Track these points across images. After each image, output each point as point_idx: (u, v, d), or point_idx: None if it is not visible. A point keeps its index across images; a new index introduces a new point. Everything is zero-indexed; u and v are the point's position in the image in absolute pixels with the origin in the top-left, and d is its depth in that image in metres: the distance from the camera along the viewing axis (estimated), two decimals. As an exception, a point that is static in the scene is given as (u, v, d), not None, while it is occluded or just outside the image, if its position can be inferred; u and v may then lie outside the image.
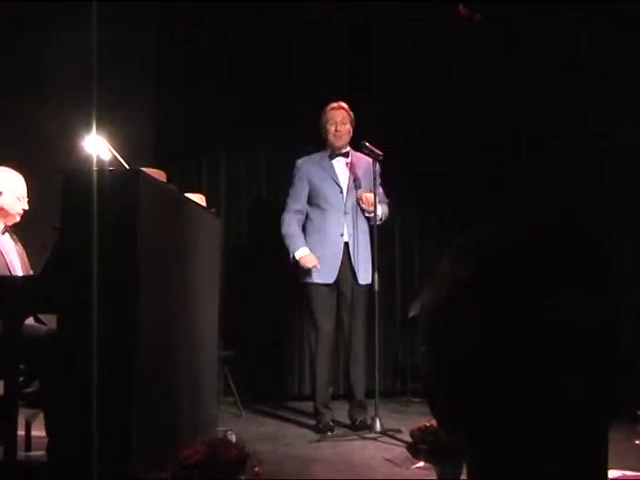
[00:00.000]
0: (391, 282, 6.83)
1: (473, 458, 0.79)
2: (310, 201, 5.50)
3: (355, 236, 5.41)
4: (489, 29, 6.60)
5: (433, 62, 6.84)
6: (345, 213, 5.42)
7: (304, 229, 5.51)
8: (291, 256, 5.41)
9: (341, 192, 5.46)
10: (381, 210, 5.46)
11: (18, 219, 4.37)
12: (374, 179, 5.33)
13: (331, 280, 5.41)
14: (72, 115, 4.14)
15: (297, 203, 5.50)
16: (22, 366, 3.88)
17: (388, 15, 6.78)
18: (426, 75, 6.83)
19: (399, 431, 4.98)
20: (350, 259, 5.42)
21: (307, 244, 5.43)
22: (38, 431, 4.26)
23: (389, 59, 6.99)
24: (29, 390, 4.04)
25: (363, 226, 5.47)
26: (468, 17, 6.60)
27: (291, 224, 5.47)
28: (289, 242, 5.44)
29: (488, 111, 6.74)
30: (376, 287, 5.25)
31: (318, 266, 5.34)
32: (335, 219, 5.42)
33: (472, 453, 0.79)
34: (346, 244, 5.41)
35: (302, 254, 5.37)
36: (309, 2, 6.80)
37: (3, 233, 4.29)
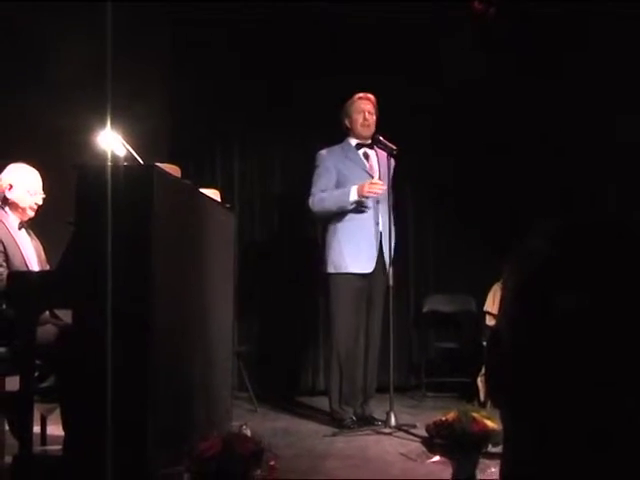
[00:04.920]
0: (405, 277, 6.81)
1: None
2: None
3: (389, 226, 5.26)
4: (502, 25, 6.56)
5: (447, 59, 6.79)
6: (377, 202, 5.30)
7: (337, 219, 5.35)
8: (351, 202, 5.21)
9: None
10: None
11: (32, 214, 4.38)
12: (388, 173, 5.31)
13: (369, 270, 5.27)
14: (87, 111, 4.15)
15: (324, 188, 5.35)
16: (38, 361, 3.89)
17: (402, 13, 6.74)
18: (440, 71, 6.78)
19: (414, 426, 4.98)
20: (382, 250, 5.31)
21: (343, 232, 5.30)
22: (54, 426, 4.28)
23: (403, 58, 6.93)
24: (44, 385, 4.06)
25: (393, 218, 5.33)
26: (483, 12, 6.56)
27: (322, 194, 5.31)
28: (334, 201, 5.27)
29: (504, 106, 6.68)
30: (390, 282, 5.22)
31: (382, 188, 5.20)
32: (369, 207, 5.30)
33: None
34: (380, 234, 5.29)
35: (355, 189, 5.20)
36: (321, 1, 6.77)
37: (20, 229, 4.31)
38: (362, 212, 5.29)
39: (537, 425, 0.76)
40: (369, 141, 5.47)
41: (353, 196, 5.21)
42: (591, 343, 0.72)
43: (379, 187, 5.19)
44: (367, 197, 5.22)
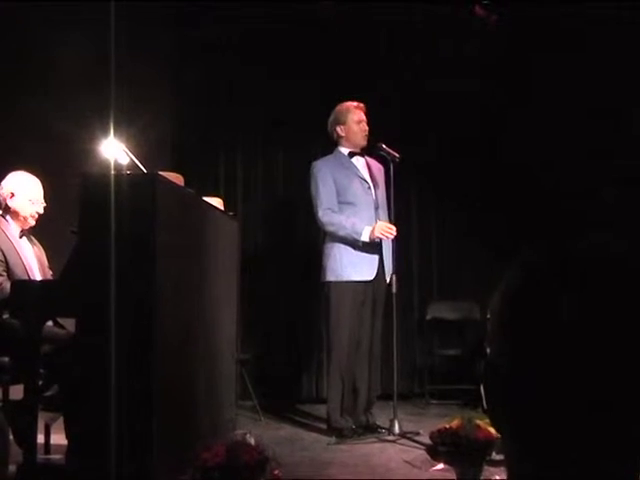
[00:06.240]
0: (408, 284, 6.81)
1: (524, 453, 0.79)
2: (339, 199, 5.29)
3: None
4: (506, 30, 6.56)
5: (449, 61, 6.80)
6: (376, 208, 5.30)
7: None
8: (362, 241, 5.17)
9: (369, 188, 5.33)
10: None
11: (33, 223, 4.38)
12: (386, 181, 5.31)
13: (370, 277, 5.23)
14: (90, 119, 4.15)
15: (329, 201, 5.27)
16: (41, 370, 3.89)
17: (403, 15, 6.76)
18: (441, 74, 6.78)
19: (418, 433, 4.97)
20: (382, 256, 5.27)
21: (342, 240, 5.24)
22: (57, 435, 4.27)
23: (405, 59, 6.94)
24: (48, 394, 4.06)
25: (393, 224, 5.29)
26: (484, 17, 6.56)
27: (333, 217, 5.24)
28: (345, 235, 5.19)
29: (508, 112, 6.68)
30: (394, 289, 5.21)
31: (393, 233, 5.19)
32: (368, 214, 5.25)
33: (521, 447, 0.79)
34: (380, 241, 5.23)
35: (368, 232, 5.15)
36: (324, 2, 6.78)
37: (20, 237, 4.32)
38: (361, 220, 5.22)
39: (539, 444, 0.76)
40: (359, 149, 5.42)
41: (365, 237, 5.17)
42: (592, 352, 0.72)
43: (388, 231, 5.17)
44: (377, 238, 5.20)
